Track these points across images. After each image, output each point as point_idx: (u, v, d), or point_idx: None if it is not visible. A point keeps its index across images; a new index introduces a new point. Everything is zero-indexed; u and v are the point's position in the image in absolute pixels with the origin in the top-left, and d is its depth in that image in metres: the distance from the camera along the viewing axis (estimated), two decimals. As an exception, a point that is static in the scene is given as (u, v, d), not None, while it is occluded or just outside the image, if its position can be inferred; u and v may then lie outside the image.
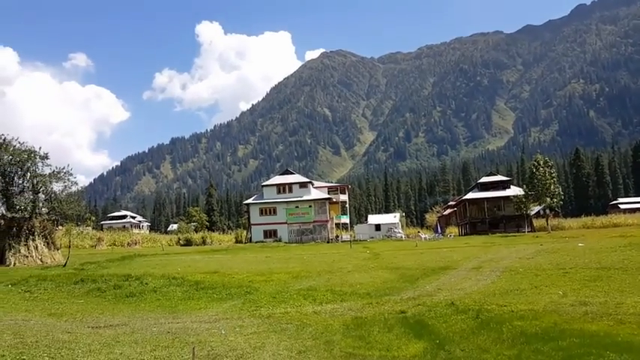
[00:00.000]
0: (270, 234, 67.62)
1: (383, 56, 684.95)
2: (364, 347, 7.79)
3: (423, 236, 60.64)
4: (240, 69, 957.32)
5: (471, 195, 75.39)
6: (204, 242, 78.31)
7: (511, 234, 56.75)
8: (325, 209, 68.14)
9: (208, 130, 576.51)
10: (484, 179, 78.81)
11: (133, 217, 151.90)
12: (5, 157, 30.46)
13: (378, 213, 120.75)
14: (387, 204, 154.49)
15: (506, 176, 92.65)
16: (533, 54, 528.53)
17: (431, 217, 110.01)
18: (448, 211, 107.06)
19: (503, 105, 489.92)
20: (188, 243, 77.84)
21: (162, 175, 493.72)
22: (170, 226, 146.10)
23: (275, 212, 68.61)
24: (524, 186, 64.11)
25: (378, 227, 76.32)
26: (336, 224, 73.62)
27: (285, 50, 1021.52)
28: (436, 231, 66.67)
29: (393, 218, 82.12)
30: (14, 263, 28.28)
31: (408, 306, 11.40)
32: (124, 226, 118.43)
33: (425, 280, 16.10)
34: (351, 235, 69.83)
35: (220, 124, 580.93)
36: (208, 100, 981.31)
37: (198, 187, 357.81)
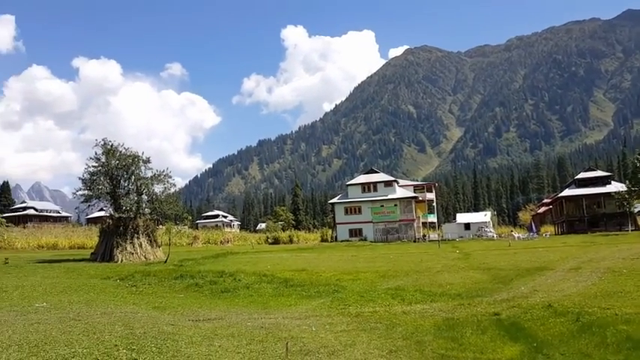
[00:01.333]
0: (356, 233, 67.75)
1: (470, 50, 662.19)
2: (457, 349, 7.61)
3: (516, 235, 57.91)
4: (323, 70, 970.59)
5: (567, 192, 71.02)
6: (291, 241, 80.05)
7: (612, 233, 52.67)
8: (411, 208, 67.11)
9: (293, 132, 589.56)
10: (582, 175, 73.83)
11: (225, 217, 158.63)
12: (113, 161, 32.99)
13: (467, 211, 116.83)
14: (476, 202, 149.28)
15: (606, 171, 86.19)
16: (634, 40, 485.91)
17: (524, 216, 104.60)
18: (543, 209, 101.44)
19: (602, 96, 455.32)
20: (276, 241, 79.92)
21: (251, 176, 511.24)
22: (259, 225, 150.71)
23: (360, 211, 68.65)
24: (627, 182, 59.71)
25: (467, 226, 73.92)
26: (422, 223, 72.23)
27: (369, 49, 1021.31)
28: (530, 230, 63.33)
29: (483, 217, 79.08)
30: (121, 260, 30.60)
31: (502, 308, 10.96)
32: (217, 225, 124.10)
33: (519, 281, 15.38)
34: (438, 235, 68.22)
35: (305, 125, 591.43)
36: (293, 102, 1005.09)
37: (284, 187, 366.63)
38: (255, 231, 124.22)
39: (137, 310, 11.50)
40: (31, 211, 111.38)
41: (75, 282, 18.31)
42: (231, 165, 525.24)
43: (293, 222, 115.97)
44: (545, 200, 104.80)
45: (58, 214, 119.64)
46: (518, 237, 55.76)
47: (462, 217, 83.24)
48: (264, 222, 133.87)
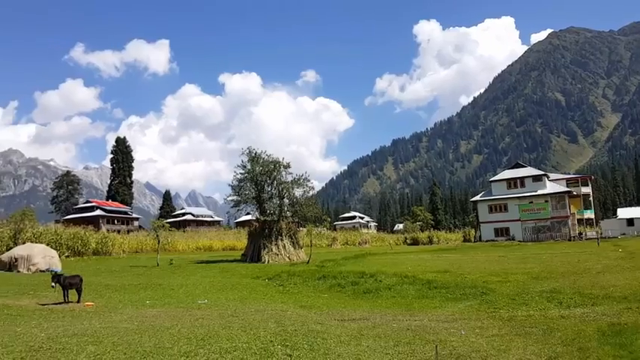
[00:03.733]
0: (502, 232, 64.18)
1: (624, 27, 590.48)
2: (627, 357, 6.77)
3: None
4: (459, 62, 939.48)
5: None
6: (430, 241, 78.47)
7: None
8: (564, 204, 61.72)
9: (428, 129, 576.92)
10: None
11: (362, 218, 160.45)
12: (257, 168, 35.23)
13: (629, 206, 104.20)
14: (639, 196, 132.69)
15: None
16: None
17: None
18: None
19: None
20: (415, 242, 78.92)
21: (386, 176, 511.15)
22: (396, 226, 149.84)
23: (506, 209, 64.86)
24: None
25: (630, 222, 66.08)
26: (578, 220, 65.94)
27: (508, 36, 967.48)
28: None
29: (649, 211, 70.07)
30: (268, 260, 32.49)
31: (681, 314, 9.55)
32: (354, 226, 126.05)
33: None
34: (597, 232, 61.84)
35: (441, 121, 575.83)
36: (427, 98, 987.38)
37: (420, 186, 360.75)
38: (393, 232, 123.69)
39: (286, 308, 12.07)
40: (189, 217, 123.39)
41: (229, 281, 19.85)
42: (366, 166, 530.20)
43: (432, 222, 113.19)
44: None
45: (212, 219, 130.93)
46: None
47: (624, 213, 74.81)
48: (401, 222, 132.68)
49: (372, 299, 14.29)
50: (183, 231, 78.37)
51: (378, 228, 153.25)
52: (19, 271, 24.05)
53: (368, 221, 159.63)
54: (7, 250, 30.57)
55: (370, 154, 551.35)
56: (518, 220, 62.87)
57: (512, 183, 65.89)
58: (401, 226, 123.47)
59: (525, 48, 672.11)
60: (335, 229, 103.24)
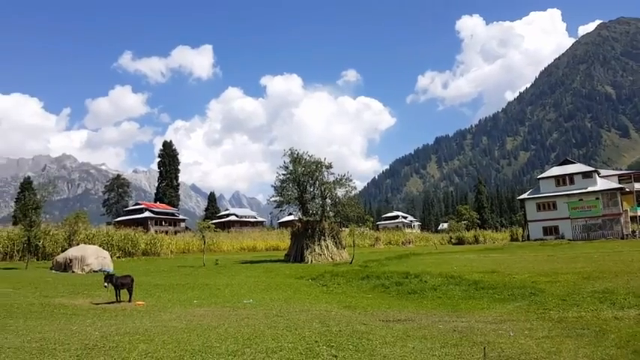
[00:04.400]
0: (551, 231, 62.23)
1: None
2: (685, 361, 6.46)
3: None
4: (504, 57, 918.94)
5: None
6: (476, 240, 77.05)
7: None
8: (617, 201, 59.24)
9: (473, 126, 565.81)
10: None
11: (405, 217, 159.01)
12: (299, 169, 35.49)
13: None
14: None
15: None
16: None
17: None
18: None
19: None
20: (460, 241, 77.65)
21: (429, 174, 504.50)
22: (440, 225, 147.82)
23: (555, 207, 62.84)
24: None
25: (689, 219, 62.60)
26: (631, 218, 63.14)
27: (555, 29, 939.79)
28: None
29: None
30: (311, 260, 32.66)
31: None
32: (397, 226, 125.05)
33: None
34: (653, 230, 59.09)
35: (485, 118, 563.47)
36: (471, 94, 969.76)
37: (465, 184, 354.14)
38: (437, 231, 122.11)
39: (330, 308, 12.10)
40: (233, 218, 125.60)
41: (273, 281, 20.09)
42: (409, 165, 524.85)
43: (477, 221, 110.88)
44: None
45: (255, 219, 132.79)
46: None
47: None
48: (445, 222, 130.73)
49: (417, 300, 14.11)
50: (228, 232, 79.83)
51: (422, 227, 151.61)
52: (73, 272, 25.13)
53: (411, 221, 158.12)
54: (62, 251, 32.06)
55: (413, 152, 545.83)
56: (568, 218, 60.77)
57: (561, 180, 63.76)
58: (445, 225, 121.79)
59: (573, 40, 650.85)
60: (377, 229, 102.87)
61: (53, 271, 25.38)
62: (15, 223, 44.93)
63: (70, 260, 25.86)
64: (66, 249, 32.22)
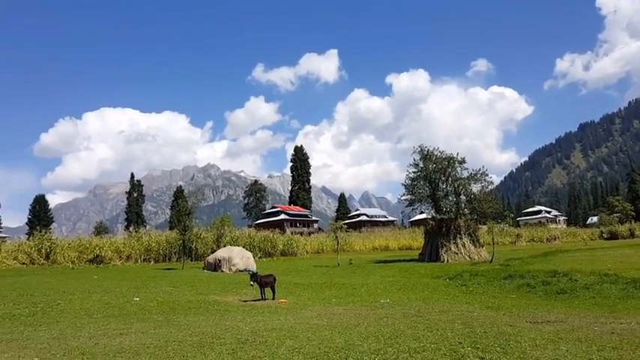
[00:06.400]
0: None
1: None
2: None
3: None
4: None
5: None
6: (632, 235, 69.86)
7: None
8: None
9: (622, 109, 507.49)
10: None
11: (548, 212, 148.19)
12: (430, 166, 34.77)
13: None
14: None
15: None
16: None
17: None
18: None
19: None
20: (613, 236, 71.01)
21: (574, 165, 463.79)
22: (589, 219, 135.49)
23: None
24: None
25: None
26: None
27: None
28: None
29: None
30: (447, 259, 31.79)
31: None
32: (540, 222, 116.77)
33: None
34: None
35: (636, 99, 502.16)
36: (618, 74, 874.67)
37: (615, 173, 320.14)
38: (585, 226, 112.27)
39: (471, 309, 11.66)
40: (364, 217, 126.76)
41: (409, 280, 19.89)
42: (550, 155, 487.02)
43: (632, 213, 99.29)
44: None
45: (385, 219, 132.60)
46: None
47: None
48: (595, 215, 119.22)
49: (568, 300, 13.16)
50: (359, 232, 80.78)
51: (568, 222, 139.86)
52: (222, 271, 27.28)
53: (556, 215, 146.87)
54: (212, 252, 35.06)
55: (554, 141, 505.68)
56: None
57: None
58: (595, 219, 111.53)
59: None
60: (518, 226, 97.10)
61: (205, 271, 27.79)
62: (171, 228, 49.74)
63: (219, 261, 28.10)
64: (215, 250, 35.20)
